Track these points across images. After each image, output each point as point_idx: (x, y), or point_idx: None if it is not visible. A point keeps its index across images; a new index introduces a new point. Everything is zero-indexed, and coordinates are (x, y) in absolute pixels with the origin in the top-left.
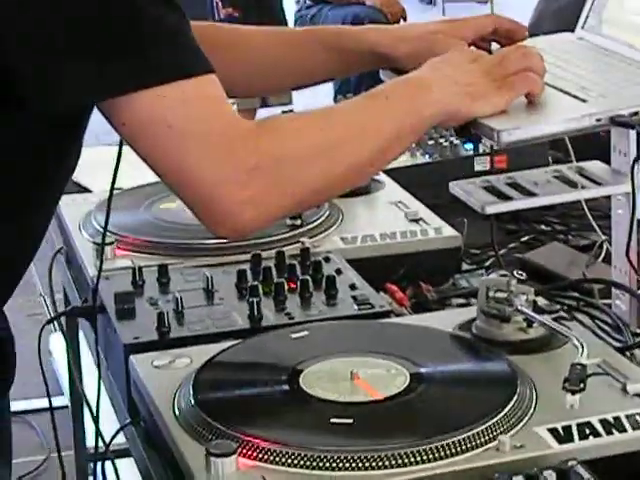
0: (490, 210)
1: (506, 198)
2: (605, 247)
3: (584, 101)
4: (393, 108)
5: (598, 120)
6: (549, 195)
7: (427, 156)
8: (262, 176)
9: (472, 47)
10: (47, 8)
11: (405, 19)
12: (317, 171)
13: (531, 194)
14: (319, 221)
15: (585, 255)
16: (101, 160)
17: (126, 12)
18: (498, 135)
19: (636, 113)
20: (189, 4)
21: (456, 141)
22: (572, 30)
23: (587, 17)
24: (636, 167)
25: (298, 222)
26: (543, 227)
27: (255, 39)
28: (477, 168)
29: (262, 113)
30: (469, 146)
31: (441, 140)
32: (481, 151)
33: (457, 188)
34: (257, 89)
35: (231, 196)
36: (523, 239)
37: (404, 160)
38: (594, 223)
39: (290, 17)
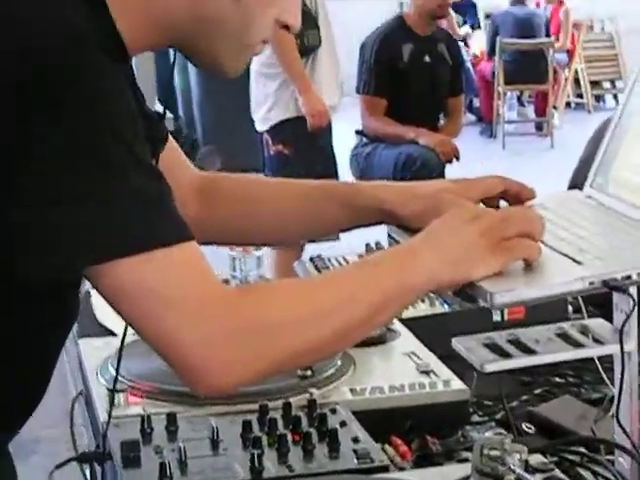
0: (489, 369)
1: (506, 355)
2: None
3: (579, 263)
4: (381, 277)
5: (591, 283)
6: (548, 353)
7: (446, 305)
8: (241, 339)
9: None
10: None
11: (458, 158)
12: (300, 337)
13: (531, 352)
14: (329, 372)
15: (595, 409)
16: None
17: (108, 182)
18: (491, 297)
19: (629, 277)
20: (239, 140)
21: None
22: None
23: (595, 175)
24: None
25: (308, 373)
26: (557, 379)
27: (270, 192)
28: (495, 319)
29: (309, 250)
30: None
31: None
32: None
33: (458, 345)
34: (272, 240)
35: (208, 358)
36: (536, 391)
37: (423, 309)
38: (605, 377)
39: (340, 153)
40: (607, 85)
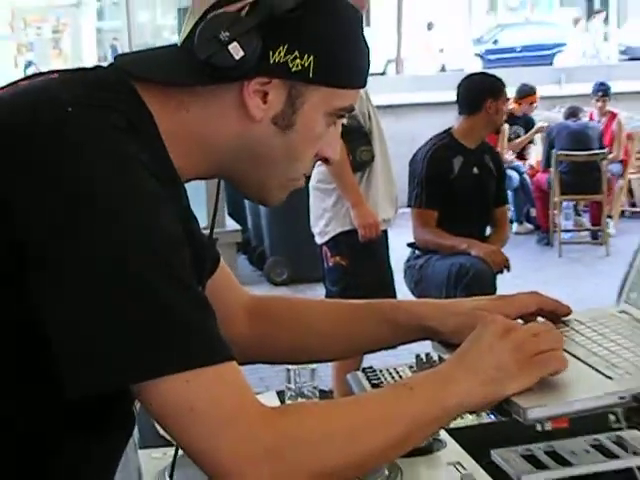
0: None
1: (542, 467)
2: None
3: (610, 378)
4: (416, 399)
5: (621, 398)
6: (583, 465)
7: (492, 416)
8: (279, 456)
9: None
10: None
11: (509, 268)
12: (334, 454)
13: (567, 463)
14: None
15: None
16: None
17: (158, 305)
18: (524, 413)
19: None
20: (304, 252)
21: None
22: None
23: (630, 289)
24: None
25: None
26: None
27: (317, 314)
28: (538, 427)
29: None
30: None
31: None
32: None
33: (497, 456)
34: (318, 358)
35: (247, 475)
36: None
37: (470, 419)
38: None
39: (395, 265)
40: None
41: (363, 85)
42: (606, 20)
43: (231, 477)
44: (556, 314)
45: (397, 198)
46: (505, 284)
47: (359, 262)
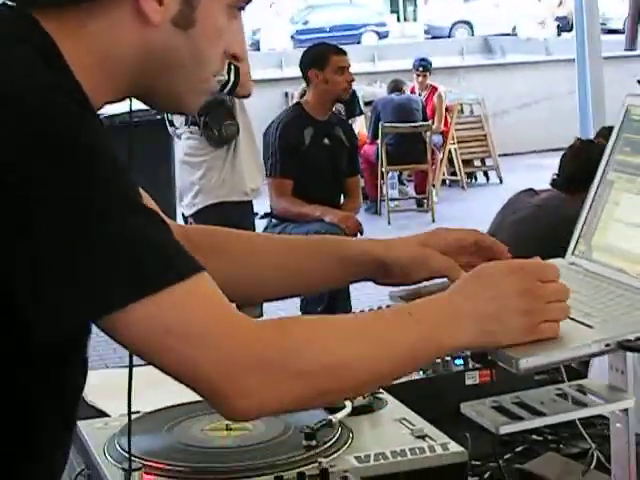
0: (504, 430)
1: (517, 418)
2: (596, 455)
3: (590, 327)
4: (416, 330)
5: (607, 345)
6: (558, 413)
7: (421, 372)
8: (261, 363)
9: None
10: (45, 238)
11: (362, 233)
12: (318, 360)
13: (540, 413)
14: (332, 441)
15: (579, 464)
16: (113, 384)
17: (112, 231)
18: (516, 363)
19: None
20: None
21: (447, 357)
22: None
23: (577, 243)
24: None
25: (313, 443)
26: (535, 437)
27: (268, 245)
28: (468, 382)
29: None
30: (459, 362)
31: None
32: (470, 366)
33: (469, 409)
34: (258, 295)
35: (230, 381)
36: (517, 449)
37: None
38: (584, 432)
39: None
40: (478, 163)
41: None
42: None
43: (216, 384)
44: (492, 252)
45: (263, 166)
46: None
47: None
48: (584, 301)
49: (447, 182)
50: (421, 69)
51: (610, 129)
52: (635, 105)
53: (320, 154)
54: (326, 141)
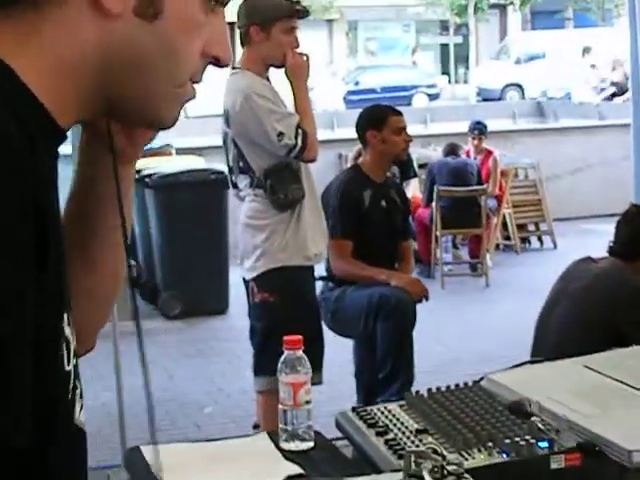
0: None
1: None
2: None
3: None
4: None
5: None
6: None
7: (504, 455)
8: None
9: None
10: None
11: (427, 298)
12: None
13: None
14: None
15: None
16: None
17: None
18: (629, 455)
19: None
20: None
21: (532, 440)
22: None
23: None
24: None
25: None
26: None
27: None
28: (553, 466)
29: None
30: (544, 444)
31: (517, 439)
32: (555, 449)
33: None
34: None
35: None
36: None
37: (482, 459)
38: None
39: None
40: (532, 227)
41: None
42: (466, 63)
43: None
44: None
45: (327, 232)
46: None
47: (287, 298)
48: None
49: (501, 246)
50: (477, 132)
51: None
52: None
53: (379, 216)
54: (383, 203)
